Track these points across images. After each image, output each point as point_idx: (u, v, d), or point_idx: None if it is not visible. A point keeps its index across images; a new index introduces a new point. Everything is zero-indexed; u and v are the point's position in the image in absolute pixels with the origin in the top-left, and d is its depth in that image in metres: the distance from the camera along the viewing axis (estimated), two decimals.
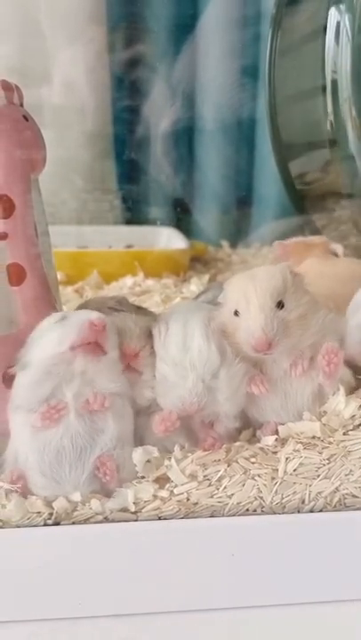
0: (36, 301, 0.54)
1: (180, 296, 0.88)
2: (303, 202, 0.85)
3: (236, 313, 0.52)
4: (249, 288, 0.51)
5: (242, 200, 1.23)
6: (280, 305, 0.51)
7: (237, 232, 1.19)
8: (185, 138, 1.25)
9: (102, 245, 1.06)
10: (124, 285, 0.94)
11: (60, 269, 0.69)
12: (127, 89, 1.20)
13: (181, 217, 1.19)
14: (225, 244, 1.18)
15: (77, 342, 0.47)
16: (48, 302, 0.56)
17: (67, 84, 1.17)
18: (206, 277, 0.97)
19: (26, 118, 0.55)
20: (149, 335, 0.53)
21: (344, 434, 0.50)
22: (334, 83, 0.72)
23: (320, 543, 0.48)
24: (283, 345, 0.50)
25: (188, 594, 0.48)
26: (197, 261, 1.08)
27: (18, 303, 0.53)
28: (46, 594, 0.47)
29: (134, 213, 1.21)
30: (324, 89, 0.75)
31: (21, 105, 0.56)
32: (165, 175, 1.15)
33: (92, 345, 0.48)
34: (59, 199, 1.14)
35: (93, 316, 0.49)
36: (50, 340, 0.48)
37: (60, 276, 0.72)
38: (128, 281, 0.95)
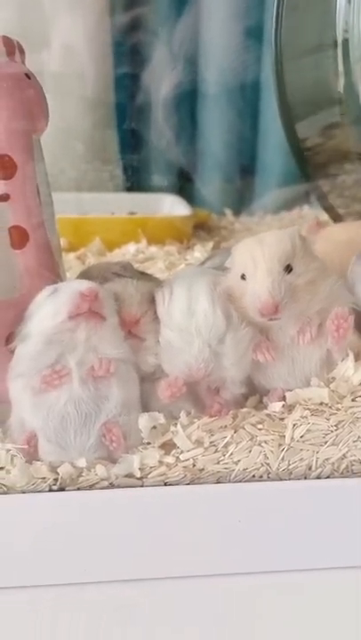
0: (39, 265, 0.53)
1: (185, 263, 0.87)
2: (310, 166, 0.84)
3: (243, 277, 0.51)
4: (257, 251, 0.50)
5: (245, 167, 1.21)
6: (288, 269, 0.50)
7: (241, 200, 1.18)
8: (188, 104, 1.23)
9: (105, 213, 1.05)
10: (127, 252, 0.93)
11: (61, 236, 0.68)
12: (129, 54, 1.17)
13: (184, 184, 1.17)
14: (228, 211, 1.16)
15: (72, 314, 0.47)
16: (51, 267, 0.55)
17: (67, 49, 1.14)
18: (210, 245, 0.96)
19: (28, 76, 0.53)
20: (152, 301, 0.52)
21: (353, 400, 0.49)
22: (345, 43, 0.70)
23: (327, 509, 0.48)
24: (290, 310, 0.49)
25: (194, 559, 0.48)
26: (201, 229, 1.07)
27: (20, 267, 0.52)
28: (51, 559, 0.47)
29: (136, 182, 1.19)
30: (334, 49, 0.73)
31: (23, 62, 0.55)
32: (168, 142, 1.13)
33: (89, 313, 0.47)
34: (58, 168, 1.13)
35: (84, 286, 0.48)
36: (45, 314, 0.48)
37: (61, 242, 0.71)
38: (131, 248, 0.94)
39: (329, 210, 0.84)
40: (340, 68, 0.71)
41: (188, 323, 0.49)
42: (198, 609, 0.46)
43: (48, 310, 0.48)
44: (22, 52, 0.55)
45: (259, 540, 0.48)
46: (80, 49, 1.16)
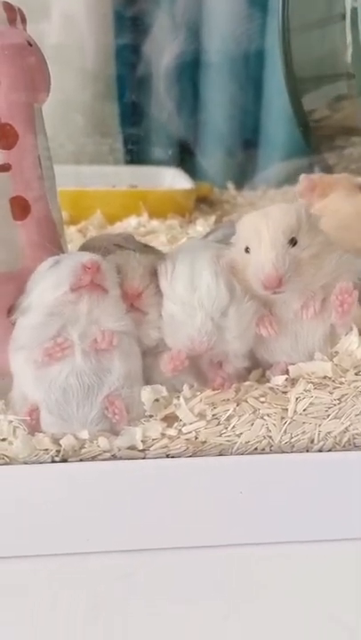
0: (41, 237, 0.53)
1: (187, 237, 0.86)
2: (315, 138, 0.83)
3: (247, 250, 0.50)
4: (261, 224, 0.50)
5: (248, 140, 1.20)
6: (293, 242, 0.49)
7: (243, 173, 1.17)
8: (190, 75, 1.21)
9: (105, 186, 1.04)
10: (129, 226, 0.92)
11: (62, 209, 0.67)
12: (130, 25, 1.15)
13: (186, 157, 1.16)
14: (230, 185, 1.15)
15: (74, 286, 0.47)
16: (52, 239, 0.54)
17: (67, 19, 1.13)
18: (212, 219, 0.95)
19: (30, 44, 0.53)
20: (154, 274, 0.52)
21: (356, 374, 0.49)
22: (354, 11, 0.69)
23: (328, 482, 0.48)
24: (293, 283, 0.49)
25: (195, 531, 0.48)
26: (203, 203, 1.06)
27: (22, 238, 0.52)
28: (54, 530, 0.47)
29: (137, 155, 1.18)
30: (342, 18, 0.71)
31: (24, 29, 0.54)
32: (169, 115, 1.12)
33: (91, 285, 0.47)
34: (58, 141, 1.12)
35: (85, 258, 0.48)
36: (46, 286, 0.48)
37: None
38: (132, 221, 0.93)
39: None
40: (348, 38, 0.70)
41: (190, 296, 0.49)
42: (199, 579, 0.46)
43: (50, 282, 0.48)
44: (24, 19, 0.54)
45: (260, 511, 0.48)
46: (80, 19, 1.14)
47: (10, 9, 0.52)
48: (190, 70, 1.20)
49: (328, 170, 0.82)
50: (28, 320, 0.48)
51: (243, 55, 1.16)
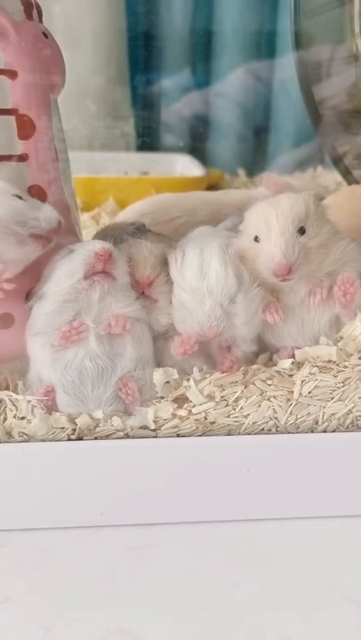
0: None
1: None
2: (326, 126, 0.83)
3: (256, 239, 0.52)
4: (270, 214, 0.51)
5: (259, 127, 1.20)
6: (301, 231, 0.51)
7: (254, 160, 1.17)
8: (202, 62, 1.21)
9: (118, 172, 1.05)
10: None
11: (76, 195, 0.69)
12: (142, 8, 1.15)
13: (197, 144, 1.17)
14: (241, 172, 1.16)
15: (87, 274, 0.49)
16: (68, 226, 0.56)
17: (79, 2, 1.13)
18: None
19: (45, 35, 0.54)
20: (165, 263, 0.54)
21: (360, 358, 0.51)
22: None
23: (332, 462, 0.50)
24: (302, 271, 0.50)
25: (204, 506, 0.50)
26: (214, 189, 1.07)
27: None
28: (70, 504, 0.49)
29: (149, 141, 1.19)
30: (350, 6, 0.71)
31: (40, 21, 0.55)
32: (182, 101, 1.12)
33: (103, 273, 0.49)
34: (70, 126, 1.12)
35: (98, 246, 0.50)
36: (61, 274, 0.50)
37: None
38: None
39: (345, 174, 0.83)
40: (357, 27, 0.70)
41: (200, 283, 0.51)
42: (207, 553, 0.48)
43: (64, 270, 0.50)
44: (39, 9, 0.55)
45: (266, 488, 0.50)
46: (92, 3, 1.14)
47: (27, 2, 0.53)
48: (203, 56, 1.21)
49: (338, 158, 0.83)
50: (44, 307, 0.50)
51: (254, 41, 1.16)
